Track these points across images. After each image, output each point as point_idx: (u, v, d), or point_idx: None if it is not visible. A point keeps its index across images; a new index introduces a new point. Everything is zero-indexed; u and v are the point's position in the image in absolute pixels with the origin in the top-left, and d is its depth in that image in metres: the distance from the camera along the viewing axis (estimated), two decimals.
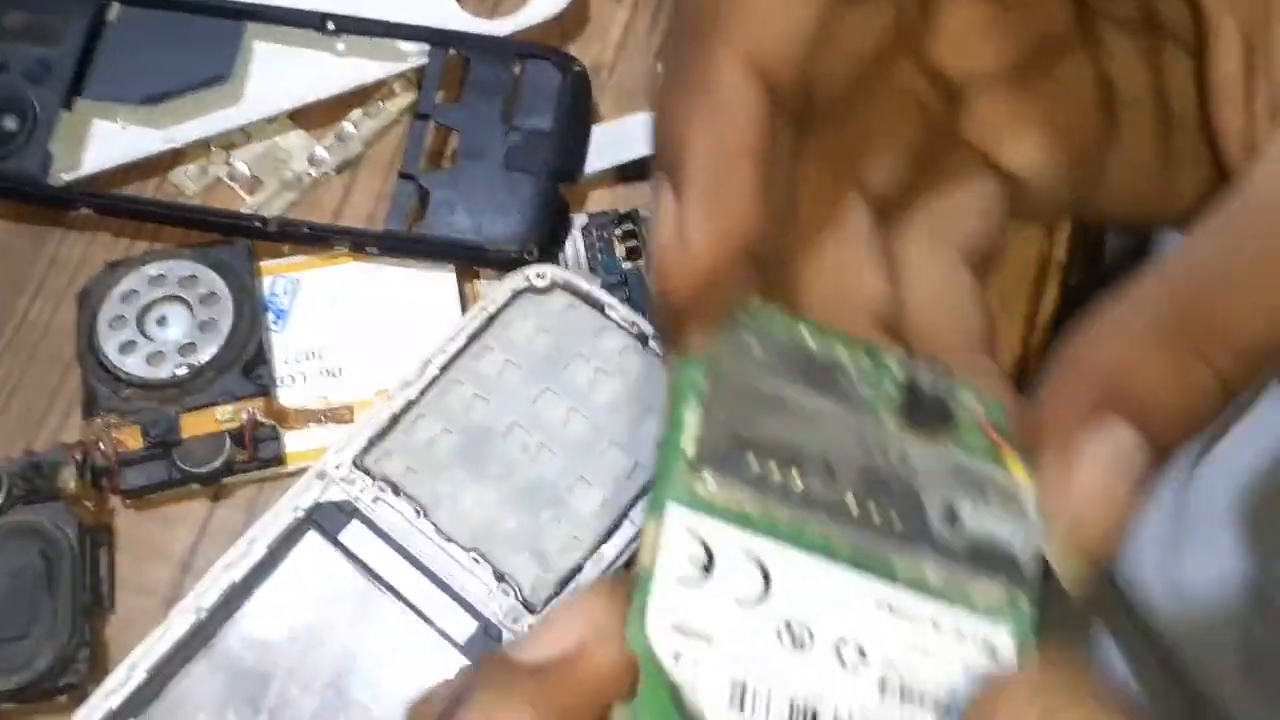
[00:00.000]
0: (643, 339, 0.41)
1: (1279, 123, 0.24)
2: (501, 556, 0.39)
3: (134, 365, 0.41)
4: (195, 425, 0.40)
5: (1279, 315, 0.22)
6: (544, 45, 0.44)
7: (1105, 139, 0.27)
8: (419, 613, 0.38)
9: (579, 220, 0.43)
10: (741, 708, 0.18)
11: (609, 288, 0.42)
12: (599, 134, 0.44)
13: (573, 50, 0.45)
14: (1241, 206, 0.22)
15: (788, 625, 0.18)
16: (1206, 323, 0.22)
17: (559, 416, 0.40)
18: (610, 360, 0.41)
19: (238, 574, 0.38)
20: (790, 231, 0.25)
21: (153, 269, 0.42)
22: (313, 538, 0.39)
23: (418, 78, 0.44)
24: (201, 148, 0.45)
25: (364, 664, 0.38)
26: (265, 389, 0.41)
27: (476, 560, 0.39)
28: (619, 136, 0.44)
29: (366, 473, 0.39)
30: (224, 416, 0.40)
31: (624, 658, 0.19)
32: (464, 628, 0.38)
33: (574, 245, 0.43)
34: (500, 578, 0.38)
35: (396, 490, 0.39)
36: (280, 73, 0.45)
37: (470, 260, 0.42)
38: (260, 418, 0.40)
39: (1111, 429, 0.21)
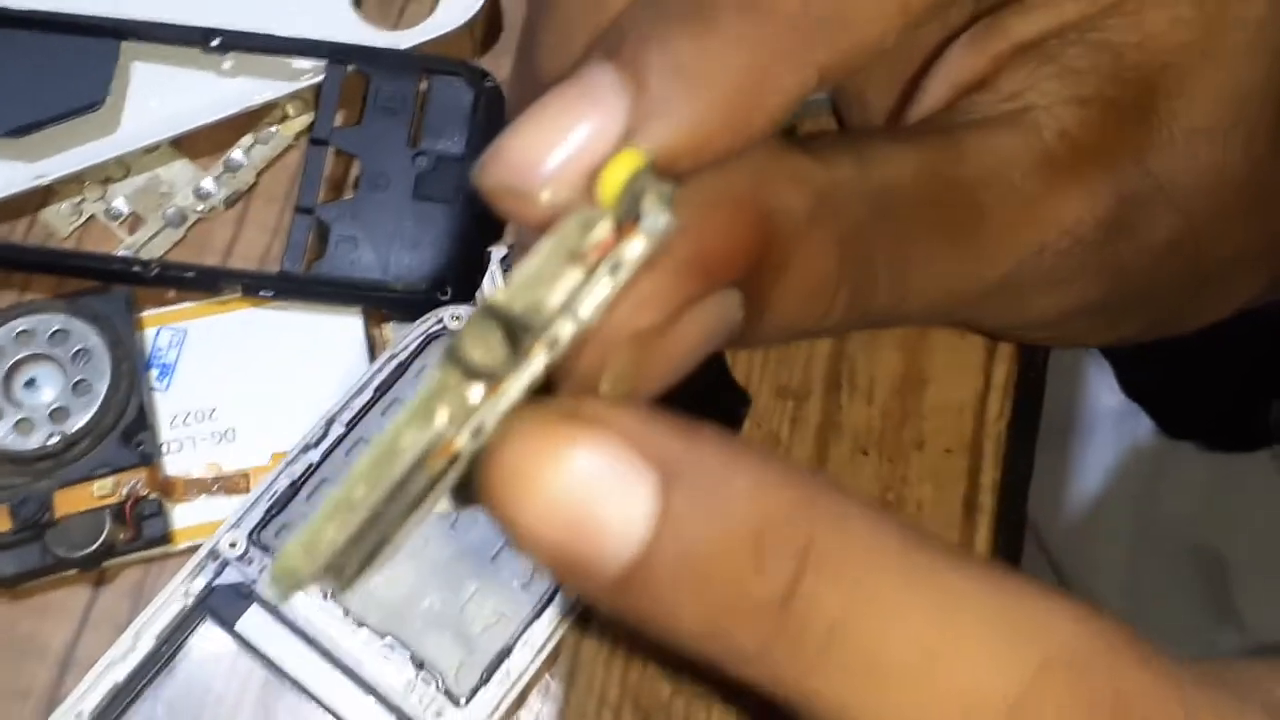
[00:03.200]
0: None
1: None
2: (420, 641, 0.35)
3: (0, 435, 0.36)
4: (70, 502, 0.36)
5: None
6: (452, 59, 0.40)
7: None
8: (329, 709, 0.34)
9: (497, 253, 0.39)
10: None
11: None
12: None
13: (485, 64, 0.41)
14: None
15: None
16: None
17: None
18: None
19: (123, 672, 0.34)
20: None
21: (19, 324, 0.37)
22: (207, 627, 0.35)
23: (314, 98, 0.40)
24: (75, 183, 0.40)
25: None
26: (148, 458, 0.36)
27: (391, 646, 0.35)
28: None
29: (265, 550, 0.35)
30: (102, 491, 0.36)
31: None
32: None
33: (492, 282, 0.38)
34: (419, 665, 0.35)
35: None
36: (160, 96, 0.40)
37: (377, 302, 0.38)
38: (143, 491, 0.36)
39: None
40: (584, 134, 0.20)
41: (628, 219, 0.20)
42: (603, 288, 0.20)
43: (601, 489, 0.19)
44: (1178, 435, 0.67)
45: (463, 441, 0.19)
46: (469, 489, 0.19)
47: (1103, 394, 0.76)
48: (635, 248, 0.20)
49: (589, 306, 0.20)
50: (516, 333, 0.19)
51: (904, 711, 0.19)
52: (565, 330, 0.19)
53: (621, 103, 0.20)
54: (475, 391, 0.19)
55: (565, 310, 0.19)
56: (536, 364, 0.19)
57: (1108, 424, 0.77)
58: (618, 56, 0.21)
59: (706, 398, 0.23)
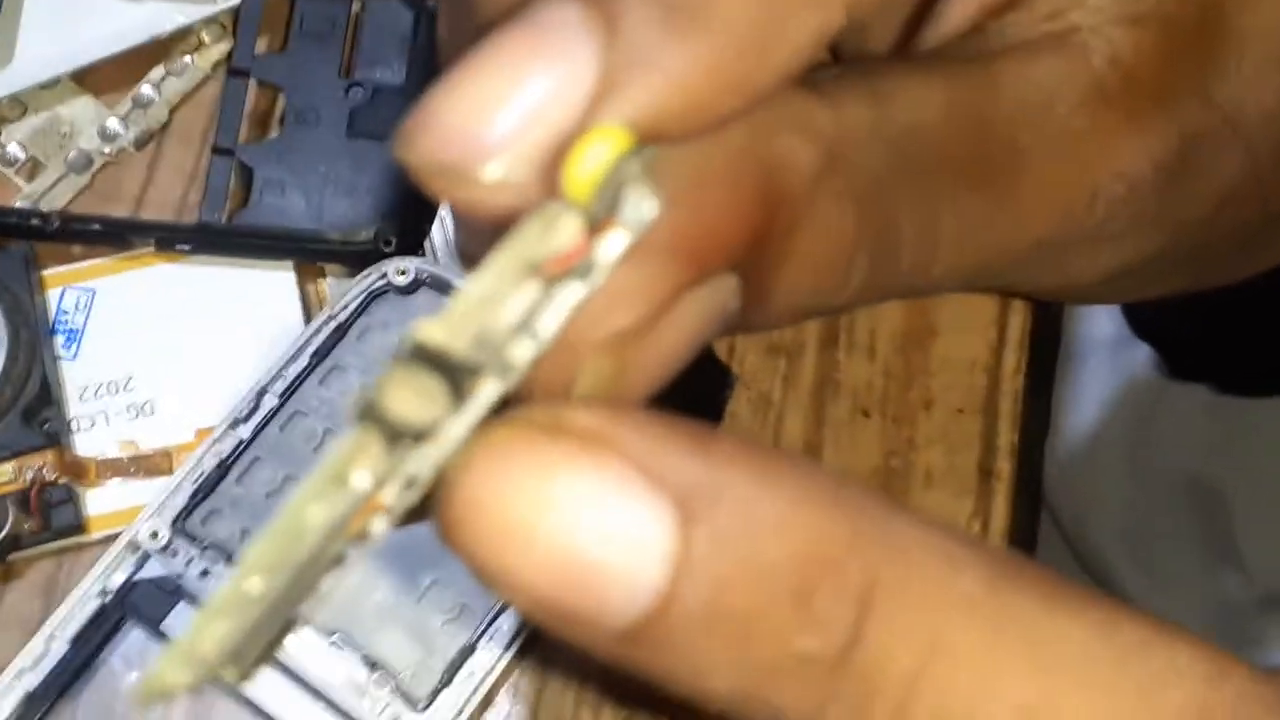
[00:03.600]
0: None
1: None
2: (372, 639, 0.32)
3: None
4: None
5: None
6: None
7: None
8: (270, 718, 0.31)
9: None
10: None
11: None
12: None
13: None
14: None
15: None
16: None
17: None
18: None
19: (35, 679, 0.31)
20: None
21: None
22: (129, 628, 0.32)
23: (232, 23, 0.37)
24: None
25: None
26: (54, 438, 0.33)
27: (340, 646, 0.32)
28: None
29: (191, 539, 0.32)
30: (2, 477, 0.33)
31: None
32: None
33: (442, 229, 0.35)
34: (372, 666, 0.31)
35: (230, 560, 0.32)
36: (59, 24, 0.37)
37: (311, 255, 0.35)
38: (50, 475, 0.33)
39: None
40: (540, 93, 0.16)
41: (604, 212, 0.15)
42: (570, 294, 0.15)
43: (602, 527, 0.15)
44: (1186, 377, 0.64)
45: (391, 497, 0.15)
46: (420, 515, 0.15)
47: (1099, 320, 0.73)
48: (613, 245, 0.15)
49: (552, 321, 0.15)
50: (459, 377, 0.14)
51: None
52: (522, 352, 0.15)
53: (589, 50, 0.16)
54: (407, 445, 0.15)
55: (522, 328, 0.15)
56: (483, 397, 0.15)
57: (1103, 353, 0.74)
58: None
59: (684, 381, 0.19)
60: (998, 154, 0.23)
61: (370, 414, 0.14)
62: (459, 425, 0.15)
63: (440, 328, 0.14)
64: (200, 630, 0.14)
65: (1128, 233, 0.26)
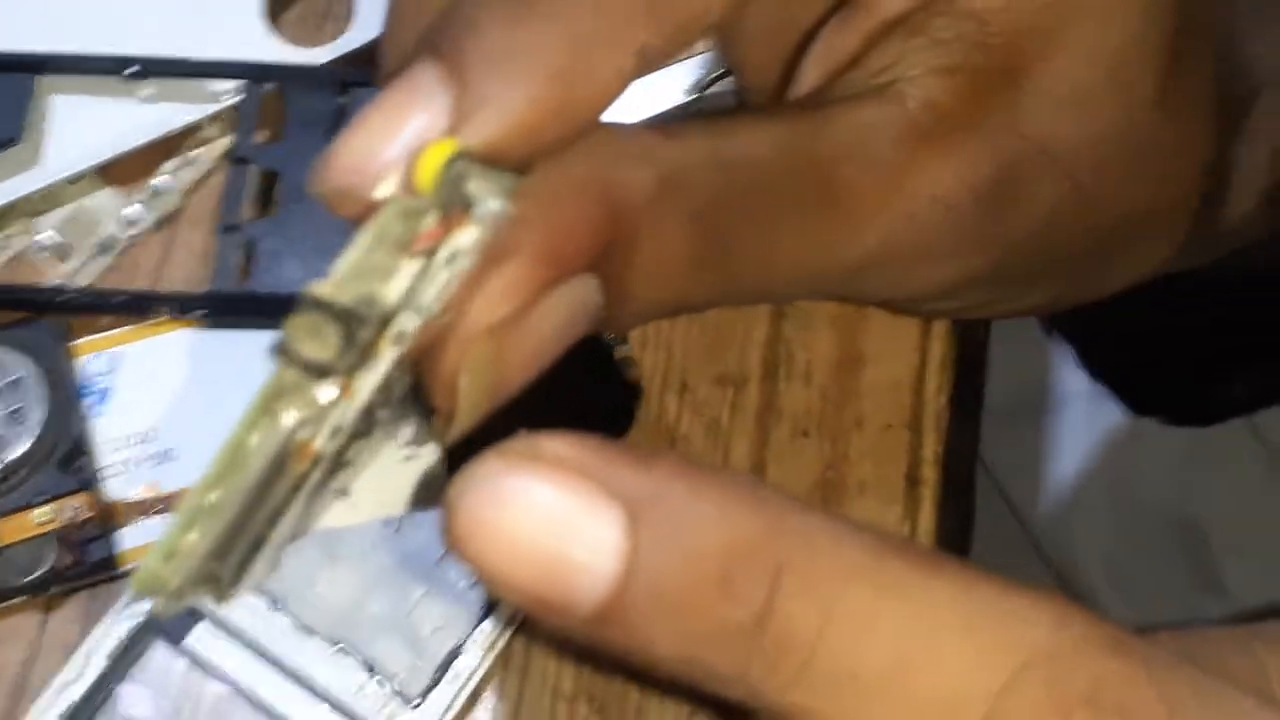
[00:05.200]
0: None
1: None
2: (370, 645, 0.35)
3: None
4: (12, 530, 0.36)
5: None
6: (369, 71, 0.39)
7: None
8: (283, 719, 0.34)
9: None
10: None
11: None
12: None
13: None
14: None
15: None
16: None
17: None
18: None
19: (78, 691, 0.34)
20: None
21: None
22: (157, 645, 0.35)
23: (234, 119, 0.40)
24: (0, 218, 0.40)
25: None
26: (88, 483, 0.36)
27: (342, 652, 0.35)
28: None
29: None
30: (43, 518, 0.36)
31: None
32: None
33: None
34: (370, 669, 0.34)
35: None
36: (81, 127, 0.40)
37: None
38: (84, 515, 0.36)
39: None
40: (411, 134, 0.21)
41: (456, 208, 0.20)
42: (441, 277, 0.20)
43: (568, 530, 0.19)
44: (1143, 412, 0.67)
45: (322, 443, 0.19)
46: (431, 496, 0.20)
47: (1073, 374, 0.77)
48: (469, 235, 0.20)
49: (430, 295, 0.20)
50: (350, 325, 0.19)
51: (885, 718, 0.19)
52: (410, 323, 0.20)
53: (444, 99, 0.21)
54: (325, 392, 0.19)
55: (406, 303, 0.20)
56: (386, 359, 0.19)
57: (1082, 402, 0.77)
58: (438, 50, 0.21)
59: (593, 393, 0.23)
60: (823, 183, 0.27)
61: (280, 351, 0.19)
62: (368, 385, 0.19)
63: (328, 286, 0.19)
64: (174, 531, 0.18)
65: (955, 250, 0.29)
